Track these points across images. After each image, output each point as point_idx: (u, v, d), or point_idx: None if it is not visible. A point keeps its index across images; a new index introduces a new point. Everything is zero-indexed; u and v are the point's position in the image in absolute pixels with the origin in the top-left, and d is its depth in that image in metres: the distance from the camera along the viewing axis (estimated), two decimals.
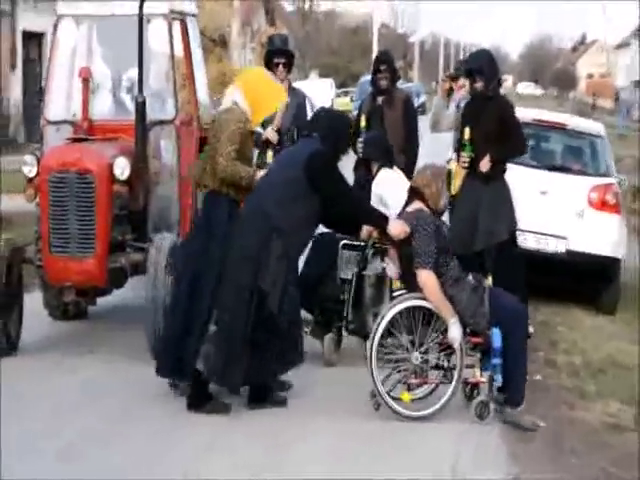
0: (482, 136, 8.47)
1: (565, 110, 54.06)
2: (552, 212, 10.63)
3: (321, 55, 63.99)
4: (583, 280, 10.80)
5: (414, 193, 7.04)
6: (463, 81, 9.55)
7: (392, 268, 7.18)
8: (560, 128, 11.62)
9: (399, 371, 6.92)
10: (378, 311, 7.27)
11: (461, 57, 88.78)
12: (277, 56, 9.09)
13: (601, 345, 9.53)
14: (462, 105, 9.39)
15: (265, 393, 7.09)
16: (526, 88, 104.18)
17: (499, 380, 6.92)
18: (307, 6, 65.33)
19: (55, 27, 9.04)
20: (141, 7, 8.20)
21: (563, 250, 10.60)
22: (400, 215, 7.07)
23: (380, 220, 7.09)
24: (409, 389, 6.94)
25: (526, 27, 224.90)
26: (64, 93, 8.96)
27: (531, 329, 9.85)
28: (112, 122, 8.83)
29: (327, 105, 34.32)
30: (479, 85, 8.66)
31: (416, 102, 52.87)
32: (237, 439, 6.58)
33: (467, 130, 8.58)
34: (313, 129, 7.16)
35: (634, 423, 7.29)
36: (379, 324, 6.85)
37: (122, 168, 8.07)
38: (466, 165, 8.58)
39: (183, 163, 8.76)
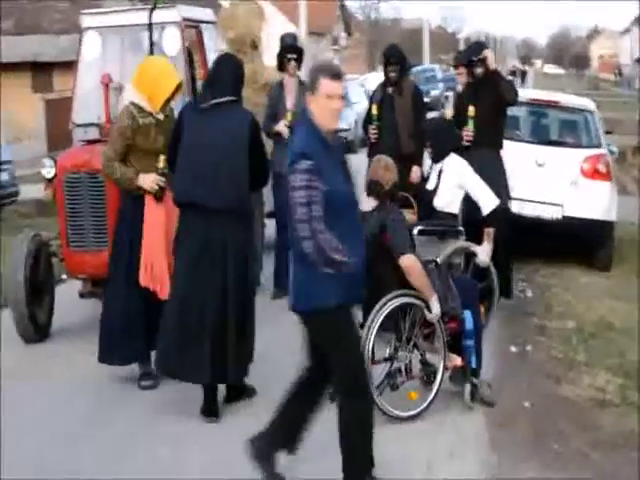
0: (484, 112, 6.94)
1: (582, 85, 51.25)
2: (549, 182, 8.78)
3: None
4: (579, 242, 8.99)
5: (373, 188, 5.03)
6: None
7: None
8: (554, 105, 9.71)
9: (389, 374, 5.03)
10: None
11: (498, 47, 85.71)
12: (289, 52, 7.52)
13: (594, 305, 7.71)
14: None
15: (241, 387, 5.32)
16: (551, 69, 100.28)
17: (474, 362, 5.21)
18: (373, 15, 64.10)
19: (80, 39, 7.56)
20: (150, 16, 6.94)
21: (560, 216, 8.75)
22: (363, 218, 4.67)
23: None
24: (393, 388, 5.01)
25: (550, 20, 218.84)
26: (92, 99, 7.41)
27: (529, 293, 8.16)
28: None
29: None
30: (479, 71, 7.05)
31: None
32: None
33: (471, 108, 6.94)
34: (217, 78, 4.88)
35: (619, 398, 5.53)
36: (372, 325, 4.85)
37: None
38: (470, 138, 6.89)
39: None
